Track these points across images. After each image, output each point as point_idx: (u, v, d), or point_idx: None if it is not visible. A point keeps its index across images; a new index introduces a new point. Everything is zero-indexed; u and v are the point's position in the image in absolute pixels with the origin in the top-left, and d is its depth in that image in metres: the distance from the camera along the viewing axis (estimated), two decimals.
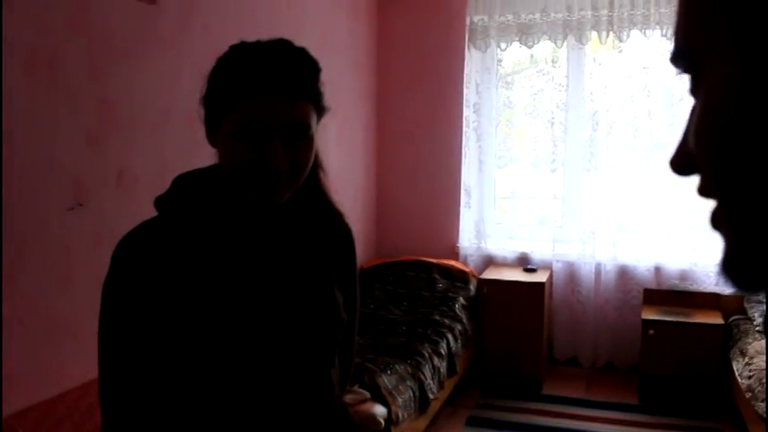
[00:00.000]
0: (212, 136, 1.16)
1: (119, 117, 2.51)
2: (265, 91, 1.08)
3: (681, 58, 0.48)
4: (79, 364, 2.24)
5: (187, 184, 1.21)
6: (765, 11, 0.40)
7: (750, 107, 0.41)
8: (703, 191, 0.47)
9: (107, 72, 2.43)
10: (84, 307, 2.16)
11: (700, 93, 0.46)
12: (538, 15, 4.53)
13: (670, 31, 4.37)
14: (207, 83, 1.15)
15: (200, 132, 1.20)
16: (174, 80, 2.78)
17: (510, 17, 4.60)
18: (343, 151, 4.48)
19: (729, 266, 0.46)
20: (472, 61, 4.71)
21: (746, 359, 3.80)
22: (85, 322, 1.94)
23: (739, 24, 0.41)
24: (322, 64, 1.18)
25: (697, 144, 0.46)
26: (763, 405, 3.27)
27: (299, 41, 1.18)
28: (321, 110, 1.17)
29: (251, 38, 1.18)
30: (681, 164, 0.48)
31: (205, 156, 1.23)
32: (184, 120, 2.75)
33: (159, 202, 1.20)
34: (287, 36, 1.18)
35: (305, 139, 1.13)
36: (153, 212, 1.21)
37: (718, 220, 0.47)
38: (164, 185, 1.23)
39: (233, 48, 1.14)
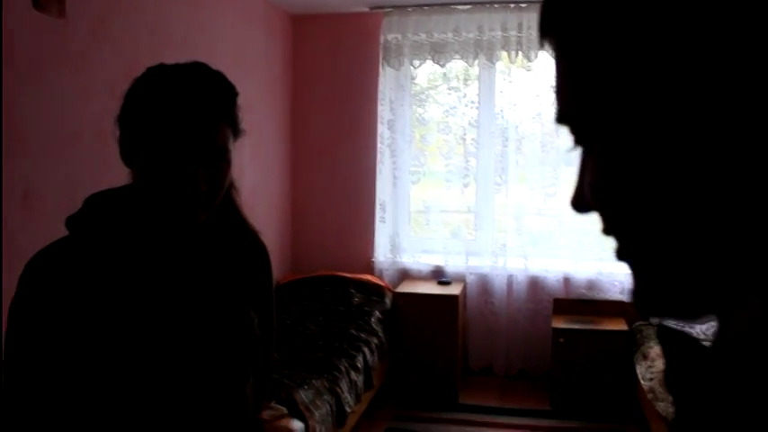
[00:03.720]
0: (128, 156, 1.16)
1: (26, 135, 2.44)
2: (185, 115, 1.10)
3: (565, 121, 0.51)
4: None
5: (100, 203, 1.20)
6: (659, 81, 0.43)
7: (643, 172, 0.44)
8: (606, 232, 0.50)
9: (13, 89, 2.36)
10: None
11: (593, 149, 0.49)
12: (450, 35, 4.66)
13: None
14: (123, 103, 1.16)
15: (111, 151, 1.20)
16: (84, 98, 2.72)
17: (423, 36, 4.71)
18: (258, 168, 4.47)
19: (636, 298, 0.50)
20: (386, 78, 4.80)
21: (648, 362, 3.99)
22: None
23: (627, 93, 0.44)
24: (237, 82, 1.21)
25: (594, 199, 0.49)
26: (663, 405, 3.44)
27: (213, 59, 1.21)
28: (238, 132, 1.20)
29: (164, 55, 1.20)
30: (580, 207, 0.51)
31: (116, 175, 1.23)
32: (94, 138, 2.69)
33: (71, 221, 1.19)
34: (201, 54, 1.21)
35: (224, 162, 1.16)
36: (61, 233, 1.19)
37: (620, 256, 0.50)
38: (73, 205, 1.22)
39: (151, 70, 1.15)
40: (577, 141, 0.51)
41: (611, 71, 0.45)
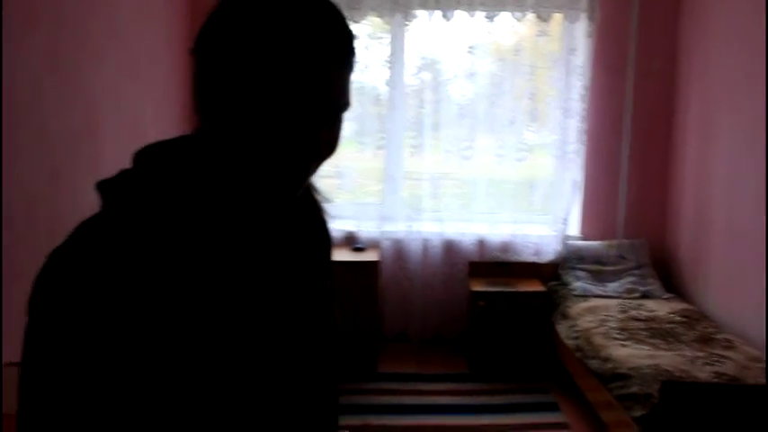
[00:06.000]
0: (212, 100, 0.87)
1: None
2: (336, 63, 0.87)
3: None
4: None
5: (163, 163, 0.90)
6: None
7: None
8: None
9: None
10: None
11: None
12: None
13: (495, 13, 4.53)
14: (213, 27, 0.87)
15: None
16: None
17: None
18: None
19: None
20: None
21: (570, 321, 4.07)
22: None
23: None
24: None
25: None
26: (594, 362, 3.50)
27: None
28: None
29: None
30: None
31: None
32: None
33: (122, 188, 0.88)
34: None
35: (340, 121, 0.93)
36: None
37: None
38: None
39: None
40: None
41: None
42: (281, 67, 0.83)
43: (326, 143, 0.89)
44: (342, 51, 0.87)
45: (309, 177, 0.92)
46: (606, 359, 3.43)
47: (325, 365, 1.00)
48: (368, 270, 4.42)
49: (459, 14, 4.50)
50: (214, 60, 0.86)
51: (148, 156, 0.91)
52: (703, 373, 3.13)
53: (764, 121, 3.54)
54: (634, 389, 3.06)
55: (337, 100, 0.88)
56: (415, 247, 4.74)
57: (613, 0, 4.57)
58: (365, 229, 4.76)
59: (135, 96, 3.49)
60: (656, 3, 4.59)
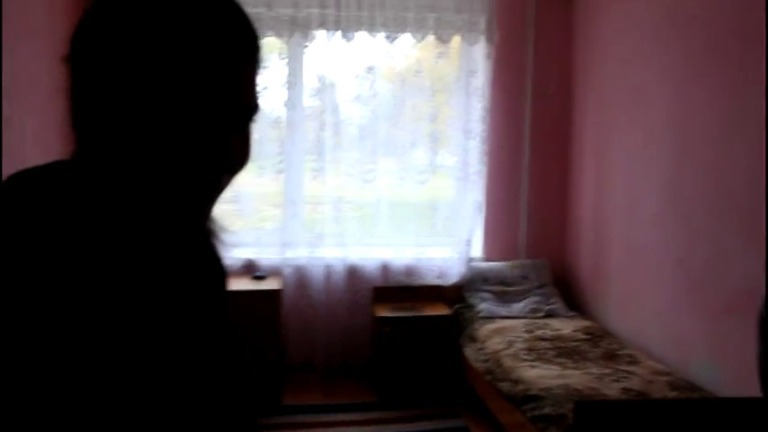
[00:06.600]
0: (98, 115, 0.72)
1: None
2: (243, 59, 0.74)
3: None
4: None
5: (37, 189, 0.73)
6: None
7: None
8: None
9: None
10: None
11: None
12: (263, 9, 4.32)
13: (395, 35, 4.49)
14: (89, 29, 0.72)
15: None
16: None
17: None
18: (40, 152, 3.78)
19: None
20: None
21: (478, 344, 4.03)
22: None
23: None
24: None
25: None
26: (505, 384, 3.47)
27: None
28: None
29: None
30: None
31: None
32: None
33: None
34: None
35: (250, 129, 0.81)
36: None
37: None
38: None
39: None
40: None
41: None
42: (179, 65, 0.69)
43: (239, 153, 0.77)
44: (247, 45, 0.75)
45: (219, 196, 0.80)
46: (517, 381, 3.39)
47: (238, 402, 0.87)
48: (269, 299, 4.24)
49: (360, 36, 4.44)
50: (95, 66, 0.71)
51: (15, 187, 0.73)
52: (612, 390, 3.14)
53: (661, 140, 3.65)
54: (547, 410, 3.03)
55: (247, 102, 0.76)
56: (317, 274, 4.60)
57: (510, 23, 4.64)
58: (265, 256, 4.58)
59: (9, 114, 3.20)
60: (550, 27, 4.70)
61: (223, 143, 0.74)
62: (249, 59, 0.76)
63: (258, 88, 0.79)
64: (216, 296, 0.93)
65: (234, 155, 0.76)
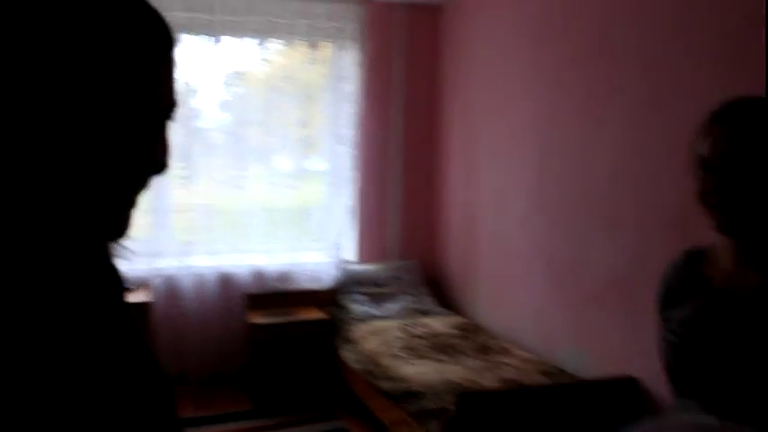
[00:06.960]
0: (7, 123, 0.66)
1: None
2: (162, 53, 0.72)
3: None
4: None
5: None
6: None
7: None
8: None
9: None
10: None
11: None
12: None
13: (265, 40, 4.47)
14: (16, 22, 0.65)
15: None
16: None
17: None
18: None
19: None
20: None
21: (355, 346, 4.08)
22: None
23: None
24: None
25: None
26: (385, 383, 3.53)
27: None
28: None
29: None
30: None
31: None
32: None
33: None
34: None
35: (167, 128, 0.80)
36: None
37: None
38: None
39: None
40: None
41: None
42: (100, 68, 0.67)
43: (165, 153, 0.76)
44: (164, 42, 0.74)
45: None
46: (396, 379, 3.47)
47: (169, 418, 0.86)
48: (137, 313, 4.07)
49: (228, 40, 4.38)
50: (9, 74, 0.65)
51: None
52: (489, 381, 3.29)
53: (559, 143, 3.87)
54: (428, 404, 3.12)
55: (168, 100, 0.75)
56: (188, 283, 4.48)
57: (379, 32, 4.75)
58: (133, 267, 4.39)
59: None
60: (419, 35, 4.86)
61: (151, 144, 0.73)
62: (166, 57, 0.75)
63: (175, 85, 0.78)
64: (122, 310, 0.89)
65: (161, 154, 0.75)
